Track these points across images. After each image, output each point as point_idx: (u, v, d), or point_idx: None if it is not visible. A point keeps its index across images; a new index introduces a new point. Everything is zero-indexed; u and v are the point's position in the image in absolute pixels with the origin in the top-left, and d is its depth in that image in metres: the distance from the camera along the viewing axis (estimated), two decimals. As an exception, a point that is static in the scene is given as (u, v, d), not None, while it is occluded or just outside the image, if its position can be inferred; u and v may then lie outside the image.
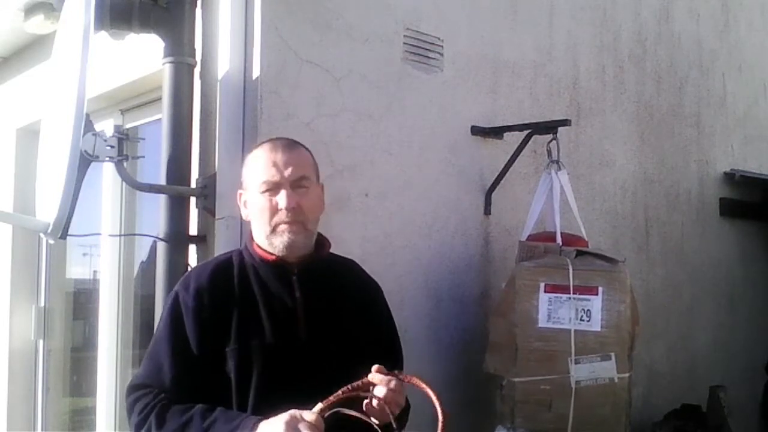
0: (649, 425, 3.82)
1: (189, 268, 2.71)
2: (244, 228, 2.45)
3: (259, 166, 1.93)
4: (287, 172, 1.90)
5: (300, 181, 1.91)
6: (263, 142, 2.02)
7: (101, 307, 3.64)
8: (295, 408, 1.69)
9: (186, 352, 1.89)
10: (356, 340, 1.96)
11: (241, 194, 2.01)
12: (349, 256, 2.16)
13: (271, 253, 1.94)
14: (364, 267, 2.16)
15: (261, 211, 1.92)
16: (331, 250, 2.06)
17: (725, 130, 4.93)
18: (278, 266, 1.94)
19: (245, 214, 2.00)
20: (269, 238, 1.92)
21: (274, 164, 1.91)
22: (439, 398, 1.67)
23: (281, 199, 1.89)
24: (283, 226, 1.90)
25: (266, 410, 1.78)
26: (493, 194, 3.43)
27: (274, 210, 1.90)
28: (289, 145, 1.97)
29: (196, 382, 1.88)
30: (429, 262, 3.21)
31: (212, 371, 1.89)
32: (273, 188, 1.90)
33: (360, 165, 2.99)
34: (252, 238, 1.98)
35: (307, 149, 2.02)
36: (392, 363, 2.04)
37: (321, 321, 1.93)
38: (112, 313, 3.61)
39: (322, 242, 2.02)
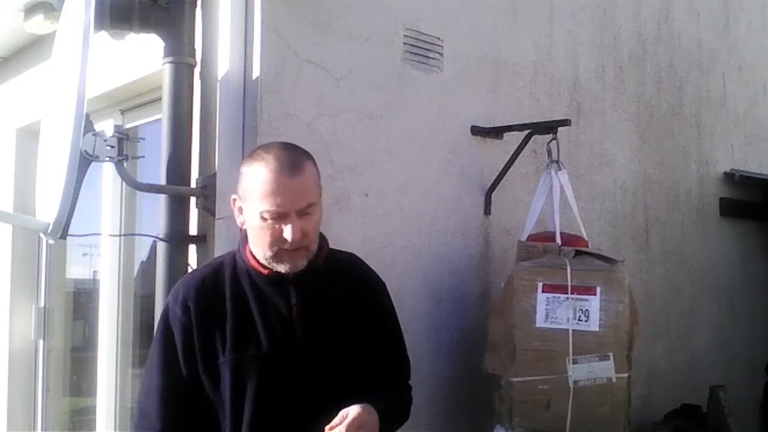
0: (649, 425, 3.82)
1: (189, 268, 2.71)
2: (243, 228, 2.44)
3: (264, 190, 1.75)
4: (295, 202, 1.75)
5: (307, 209, 1.78)
6: (266, 153, 1.81)
7: (101, 307, 3.64)
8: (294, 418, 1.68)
9: (176, 372, 1.83)
10: (357, 344, 1.90)
11: (235, 200, 1.87)
12: (348, 254, 2.13)
13: (267, 267, 1.84)
14: (364, 267, 2.13)
15: (262, 234, 1.79)
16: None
17: (725, 130, 4.93)
18: (273, 275, 1.84)
19: (240, 221, 1.87)
20: (269, 261, 1.81)
21: (282, 192, 1.74)
22: None
23: (287, 231, 1.76)
24: (286, 255, 1.79)
25: (263, 423, 1.75)
26: (493, 194, 3.43)
27: (278, 238, 1.77)
28: (296, 166, 1.77)
29: (188, 401, 1.82)
30: (429, 262, 3.21)
31: (206, 387, 1.82)
32: (278, 218, 1.76)
33: (360, 165, 2.99)
34: (246, 242, 1.88)
35: (309, 159, 1.85)
36: (395, 364, 2.04)
37: (319, 326, 1.85)
38: (112, 313, 3.61)
39: (320, 244, 1.91)
